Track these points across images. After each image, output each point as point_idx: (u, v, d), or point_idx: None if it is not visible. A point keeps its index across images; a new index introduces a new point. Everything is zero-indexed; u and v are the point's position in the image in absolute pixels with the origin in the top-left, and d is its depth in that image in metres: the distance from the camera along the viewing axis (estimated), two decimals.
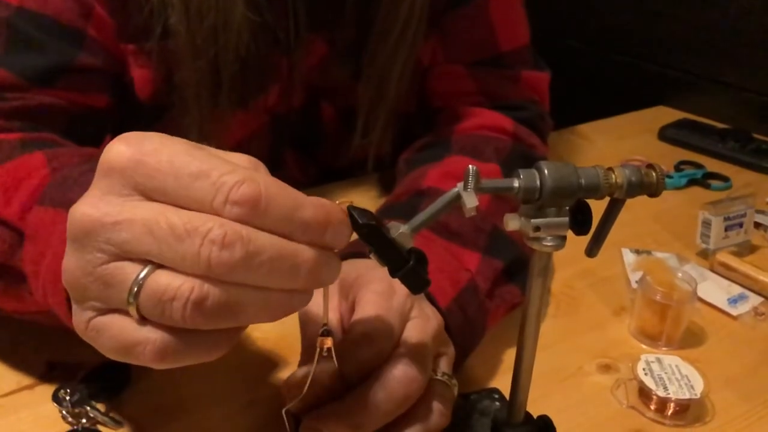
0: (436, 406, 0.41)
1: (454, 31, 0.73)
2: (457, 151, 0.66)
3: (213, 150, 0.33)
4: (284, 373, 0.51)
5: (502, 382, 0.51)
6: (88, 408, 0.46)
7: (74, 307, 0.32)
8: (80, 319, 0.32)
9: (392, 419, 0.39)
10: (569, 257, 0.67)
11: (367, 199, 0.77)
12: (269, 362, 0.53)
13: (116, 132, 0.74)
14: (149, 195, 0.30)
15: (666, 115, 1.08)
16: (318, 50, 0.69)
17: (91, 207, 0.30)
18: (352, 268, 0.45)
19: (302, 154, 0.77)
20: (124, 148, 0.31)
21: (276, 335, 0.55)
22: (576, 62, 1.29)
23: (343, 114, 0.74)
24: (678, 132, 0.99)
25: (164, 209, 0.30)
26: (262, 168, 0.34)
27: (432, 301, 0.46)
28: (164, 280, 0.30)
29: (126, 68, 0.64)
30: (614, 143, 0.98)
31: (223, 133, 0.66)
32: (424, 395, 0.40)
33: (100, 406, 0.47)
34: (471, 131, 0.71)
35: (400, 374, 0.38)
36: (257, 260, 0.30)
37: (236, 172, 0.30)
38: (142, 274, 0.30)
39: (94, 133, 0.63)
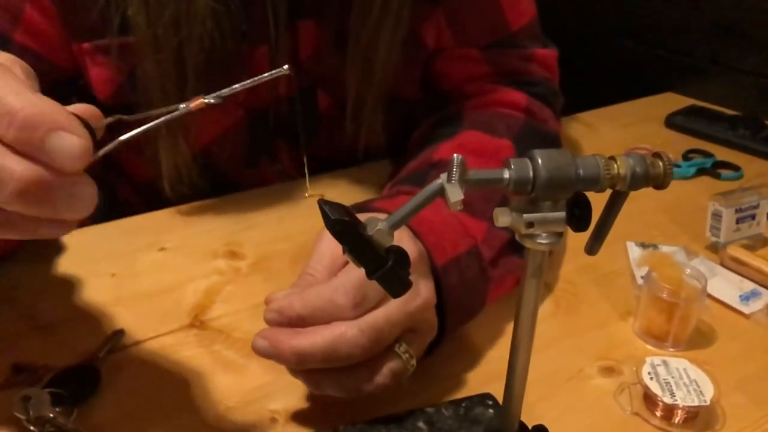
0: (379, 374, 0.42)
1: (461, 13, 0.72)
2: (469, 127, 0.66)
3: None
4: (262, 381, 0.48)
5: (497, 386, 0.47)
6: (51, 415, 0.43)
7: None
8: None
9: (320, 366, 0.41)
10: (570, 251, 0.65)
11: (359, 189, 0.74)
12: (247, 369, 0.50)
13: None
14: None
15: (673, 101, 1.05)
16: (310, 38, 0.67)
17: None
18: None
19: (295, 144, 0.75)
20: None
21: None
22: (579, 47, 1.26)
23: (339, 103, 0.71)
24: (686, 119, 0.97)
25: None
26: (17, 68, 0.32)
27: (429, 258, 0.46)
28: None
29: (82, 70, 0.63)
30: (619, 131, 0.95)
31: (194, 131, 0.64)
32: (373, 360, 0.42)
33: (66, 413, 0.44)
34: (483, 107, 0.71)
35: (339, 331, 0.40)
36: None
37: None
38: None
39: None
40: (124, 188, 0.80)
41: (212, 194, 0.70)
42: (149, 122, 0.31)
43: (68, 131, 0.28)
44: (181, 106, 0.31)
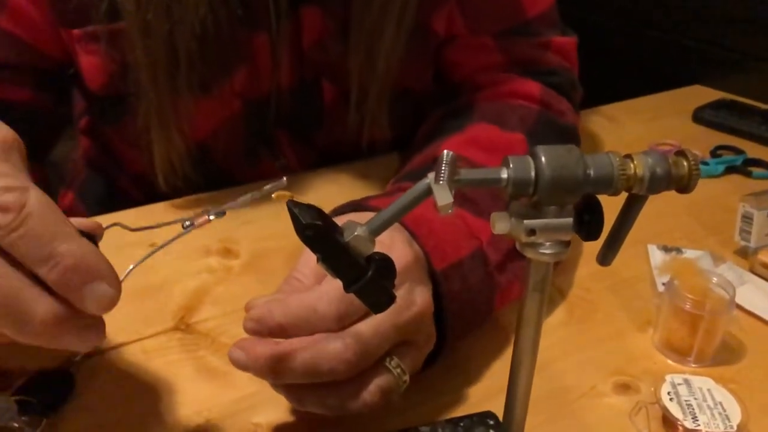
0: (367, 391, 0.38)
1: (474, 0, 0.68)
2: (479, 119, 0.63)
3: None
4: (247, 392, 0.45)
5: (500, 402, 0.43)
6: (17, 425, 0.40)
7: None
8: None
9: (300, 381, 0.37)
10: (585, 254, 0.60)
11: (363, 185, 0.70)
12: (231, 378, 0.46)
13: (57, 127, 0.74)
14: None
15: (702, 94, 1.00)
16: (314, 25, 0.64)
17: None
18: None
19: (299, 136, 0.71)
20: None
21: None
22: (603, 37, 1.21)
23: (346, 95, 0.68)
24: (715, 113, 0.92)
25: None
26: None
27: (428, 262, 0.43)
28: None
29: (73, 58, 0.61)
30: (644, 125, 0.91)
31: (187, 123, 0.61)
32: (360, 375, 0.38)
33: (33, 423, 0.41)
34: (495, 99, 0.67)
35: (320, 344, 0.36)
36: None
37: (11, 177, 0.28)
38: None
39: (22, 128, 0.62)
40: (121, 178, 0.77)
41: (208, 189, 0.67)
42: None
43: (107, 282, 0.29)
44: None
